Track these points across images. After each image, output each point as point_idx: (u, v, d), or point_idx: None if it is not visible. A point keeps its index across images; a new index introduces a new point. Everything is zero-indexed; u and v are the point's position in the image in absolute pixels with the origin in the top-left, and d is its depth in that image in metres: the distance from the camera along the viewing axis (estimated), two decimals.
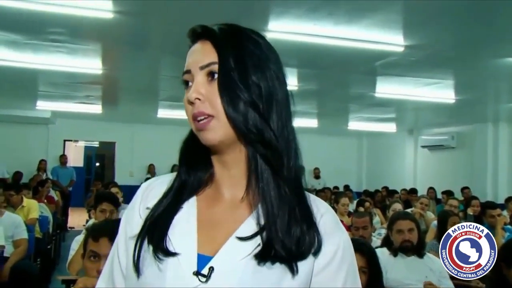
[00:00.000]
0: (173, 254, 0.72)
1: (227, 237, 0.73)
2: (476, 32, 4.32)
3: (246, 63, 0.74)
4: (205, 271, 0.70)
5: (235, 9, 3.70)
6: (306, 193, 0.78)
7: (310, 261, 0.73)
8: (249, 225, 0.73)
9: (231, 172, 0.78)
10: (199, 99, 0.74)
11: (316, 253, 0.73)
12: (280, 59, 0.79)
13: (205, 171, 0.80)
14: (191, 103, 0.74)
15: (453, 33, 4.41)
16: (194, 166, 0.80)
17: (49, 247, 5.41)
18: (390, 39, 4.46)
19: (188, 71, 0.77)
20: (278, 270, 0.70)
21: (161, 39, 4.81)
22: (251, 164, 0.75)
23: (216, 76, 0.74)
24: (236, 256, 0.71)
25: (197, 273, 0.70)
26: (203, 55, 0.75)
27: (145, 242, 0.75)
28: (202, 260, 0.71)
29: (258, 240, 0.71)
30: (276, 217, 0.72)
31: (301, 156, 0.78)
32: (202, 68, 0.75)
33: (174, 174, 0.82)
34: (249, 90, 0.73)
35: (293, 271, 0.70)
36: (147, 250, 0.74)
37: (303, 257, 0.72)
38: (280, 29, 4.16)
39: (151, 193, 0.82)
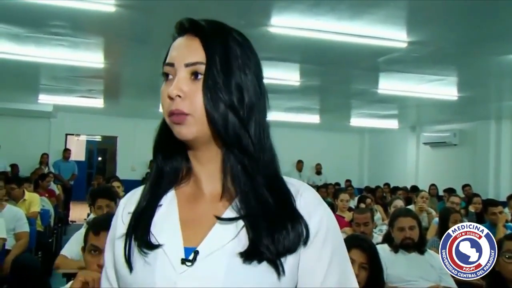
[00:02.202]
0: (157, 246, 0.73)
1: (210, 229, 0.73)
2: (479, 29, 4.29)
3: (231, 65, 0.74)
4: (191, 256, 0.71)
5: (238, 3, 3.69)
6: (284, 178, 0.78)
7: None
8: (231, 212, 0.74)
9: (208, 167, 0.78)
10: (180, 96, 0.73)
11: (305, 242, 0.73)
12: (260, 61, 0.79)
13: (181, 163, 0.81)
14: (171, 98, 0.74)
15: (456, 30, 4.38)
16: (170, 156, 0.81)
17: (50, 240, 5.41)
18: (393, 35, 4.44)
19: (171, 64, 0.76)
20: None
21: (164, 33, 4.75)
22: (226, 166, 0.76)
23: (200, 76, 0.73)
24: (221, 241, 0.71)
25: (184, 260, 0.71)
26: (190, 52, 0.75)
27: (132, 239, 0.76)
28: (189, 252, 0.72)
29: (240, 223, 0.72)
30: (256, 212, 0.72)
31: (277, 161, 0.78)
32: (187, 65, 0.74)
33: None
34: (232, 94, 0.73)
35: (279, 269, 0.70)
36: (134, 246, 0.75)
37: (291, 251, 0.72)
38: (283, 24, 4.13)
39: (132, 199, 0.83)
